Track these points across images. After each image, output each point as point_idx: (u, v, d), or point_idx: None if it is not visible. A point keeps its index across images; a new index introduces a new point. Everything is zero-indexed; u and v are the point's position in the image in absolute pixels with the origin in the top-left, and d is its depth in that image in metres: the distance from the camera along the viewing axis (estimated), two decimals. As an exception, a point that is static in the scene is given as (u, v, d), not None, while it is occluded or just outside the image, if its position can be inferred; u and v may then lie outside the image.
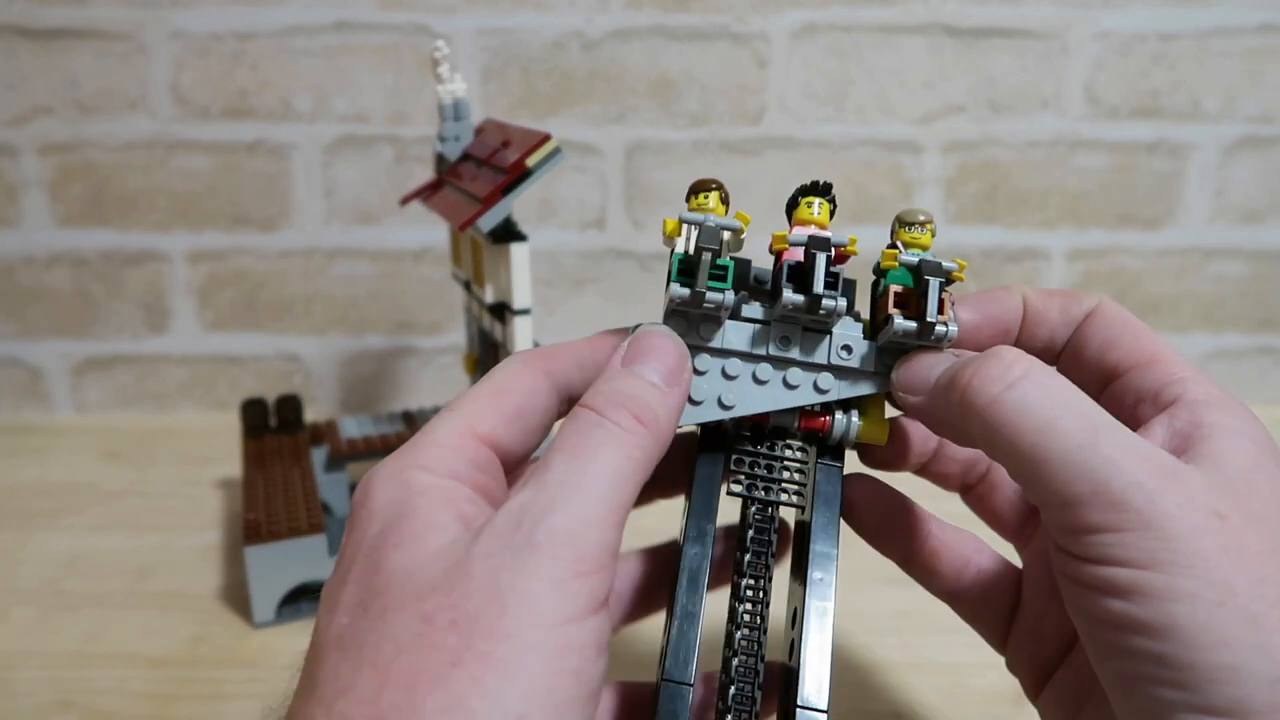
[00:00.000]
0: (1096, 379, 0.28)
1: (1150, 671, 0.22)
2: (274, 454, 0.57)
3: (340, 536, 0.57)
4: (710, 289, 0.26)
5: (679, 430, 0.26)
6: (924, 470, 0.33)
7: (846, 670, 0.45)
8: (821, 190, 0.28)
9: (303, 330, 0.76)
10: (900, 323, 0.26)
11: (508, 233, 0.49)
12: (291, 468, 0.55)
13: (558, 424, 0.26)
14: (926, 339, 0.26)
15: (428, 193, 0.57)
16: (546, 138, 0.47)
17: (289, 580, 0.49)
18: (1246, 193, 0.74)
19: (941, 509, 0.33)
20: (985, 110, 0.72)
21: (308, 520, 0.49)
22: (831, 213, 0.28)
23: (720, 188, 0.27)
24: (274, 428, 0.61)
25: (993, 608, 0.31)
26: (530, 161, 0.47)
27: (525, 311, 0.50)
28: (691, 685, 0.25)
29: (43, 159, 0.71)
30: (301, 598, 0.50)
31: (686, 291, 0.26)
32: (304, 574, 0.49)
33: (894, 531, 0.32)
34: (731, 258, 0.27)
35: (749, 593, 0.27)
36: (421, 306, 0.75)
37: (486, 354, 0.58)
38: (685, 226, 0.26)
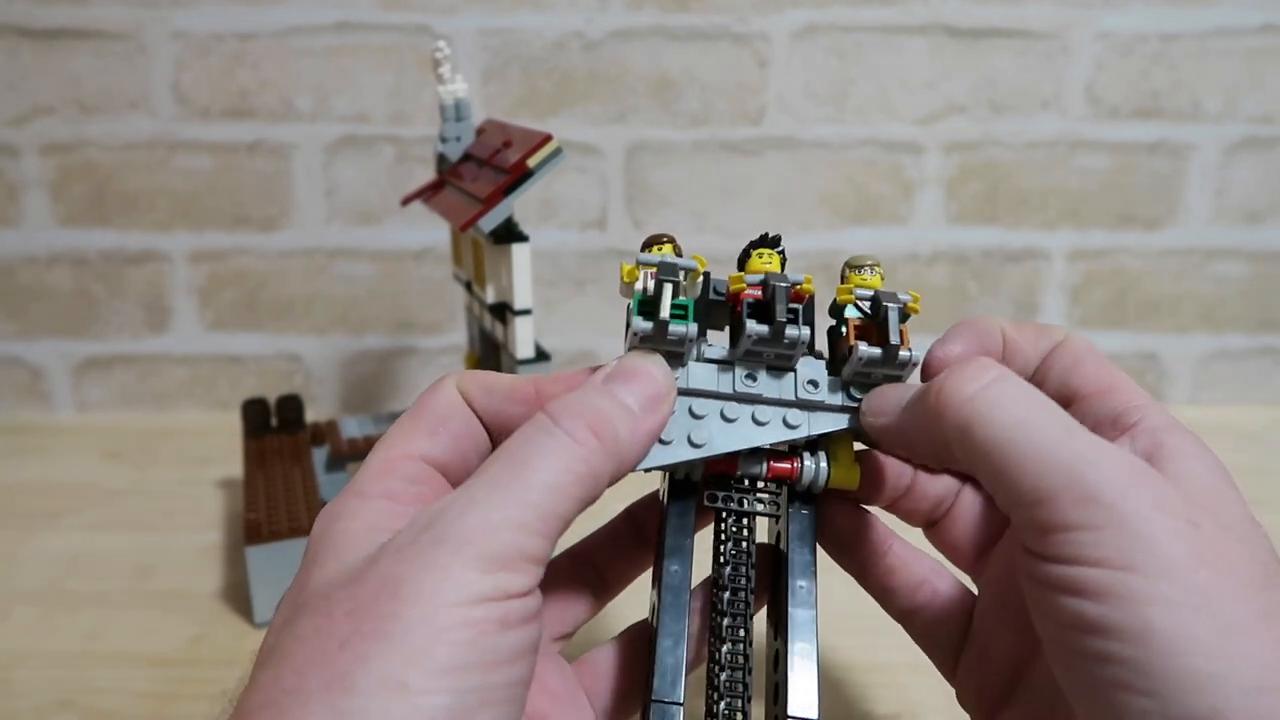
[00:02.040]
0: (1057, 402, 0.28)
1: (1121, 678, 0.21)
2: (275, 454, 0.57)
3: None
4: (673, 321, 0.26)
5: (647, 471, 0.26)
6: (893, 506, 0.32)
7: (845, 672, 0.45)
8: (771, 243, 0.29)
9: (303, 330, 0.76)
10: (864, 350, 0.27)
11: (509, 233, 0.49)
12: (292, 467, 0.55)
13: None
14: (891, 365, 0.27)
15: (429, 193, 0.57)
16: (547, 138, 0.47)
17: (289, 580, 0.49)
18: (1247, 193, 0.74)
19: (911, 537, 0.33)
20: (986, 110, 0.72)
21: (308, 520, 0.49)
22: (782, 264, 0.28)
23: (673, 241, 0.28)
24: (275, 427, 0.61)
25: (945, 632, 0.31)
26: (531, 162, 0.47)
27: (526, 312, 0.50)
28: (682, 704, 0.25)
29: (44, 159, 0.71)
30: (302, 597, 0.50)
31: (650, 324, 0.26)
32: (304, 574, 0.49)
33: (853, 543, 0.31)
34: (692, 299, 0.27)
35: (729, 632, 0.27)
36: (422, 306, 0.75)
37: (487, 354, 0.58)
38: (642, 268, 0.26)
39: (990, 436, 0.24)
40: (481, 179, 0.50)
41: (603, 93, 0.71)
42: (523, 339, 0.50)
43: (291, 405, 0.61)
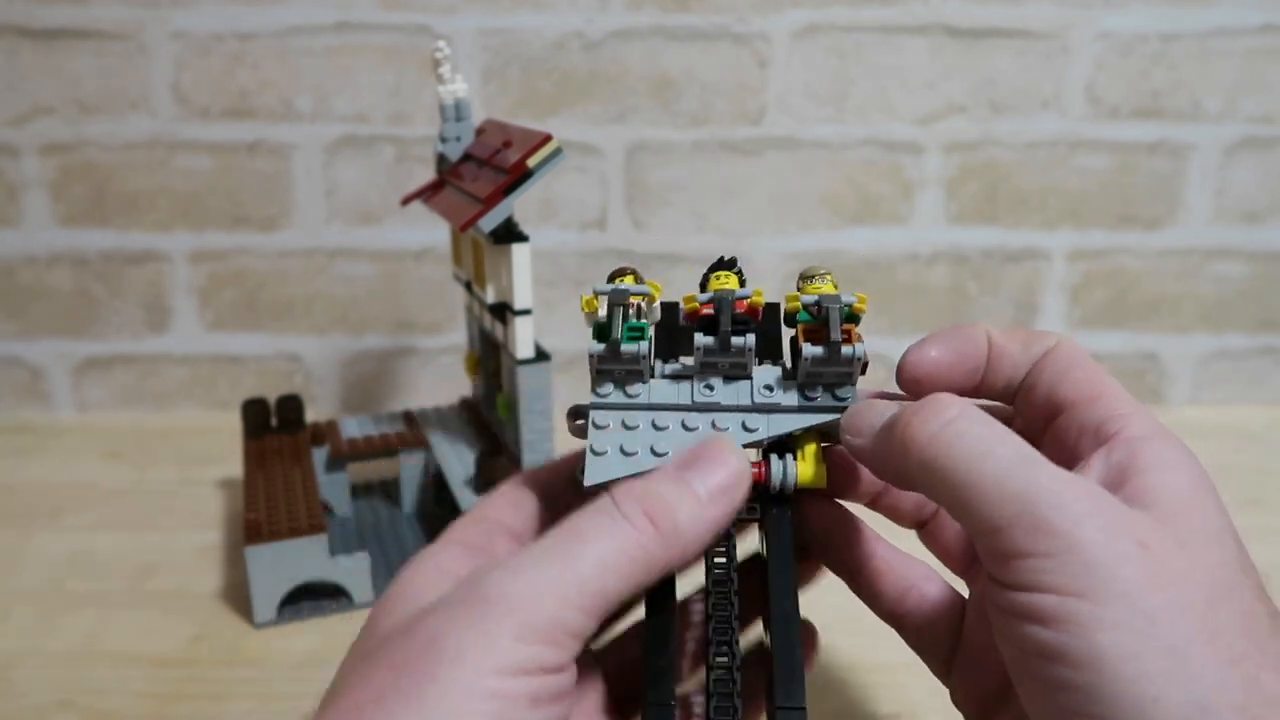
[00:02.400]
0: (1045, 413, 0.28)
1: (1077, 704, 0.21)
2: (275, 454, 0.57)
3: (340, 536, 0.57)
4: (626, 340, 0.28)
5: (610, 482, 0.27)
6: (877, 504, 0.33)
7: (844, 671, 0.45)
8: (728, 265, 0.30)
9: (303, 330, 0.76)
10: (809, 349, 0.28)
11: (509, 233, 0.49)
12: (292, 467, 0.55)
13: None
14: (837, 362, 0.28)
15: (429, 193, 0.57)
16: (547, 138, 0.47)
17: (290, 580, 0.49)
18: (1247, 193, 0.74)
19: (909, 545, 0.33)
20: (986, 110, 0.72)
21: (308, 520, 0.49)
22: (741, 283, 0.30)
23: (635, 272, 0.30)
24: (275, 427, 0.61)
25: (936, 636, 0.31)
26: (531, 162, 0.47)
27: (526, 312, 0.50)
28: (674, 705, 0.25)
29: (44, 159, 0.71)
30: (302, 598, 0.50)
31: (602, 346, 0.28)
32: (305, 574, 0.49)
33: (839, 547, 0.31)
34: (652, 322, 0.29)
35: (716, 634, 0.28)
36: (422, 306, 0.75)
37: (487, 354, 0.58)
38: (600, 298, 0.28)
39: (951, 471, 0.24)
40: (481, 179, 0.50)
41: (603, 93, 0.71)
42: (523, 339, 0.50)
43: (291, 405, 0.61)
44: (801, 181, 0.73)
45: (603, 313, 0.28)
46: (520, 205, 0.49)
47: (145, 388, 0.76)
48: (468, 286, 0.57)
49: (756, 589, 0.29)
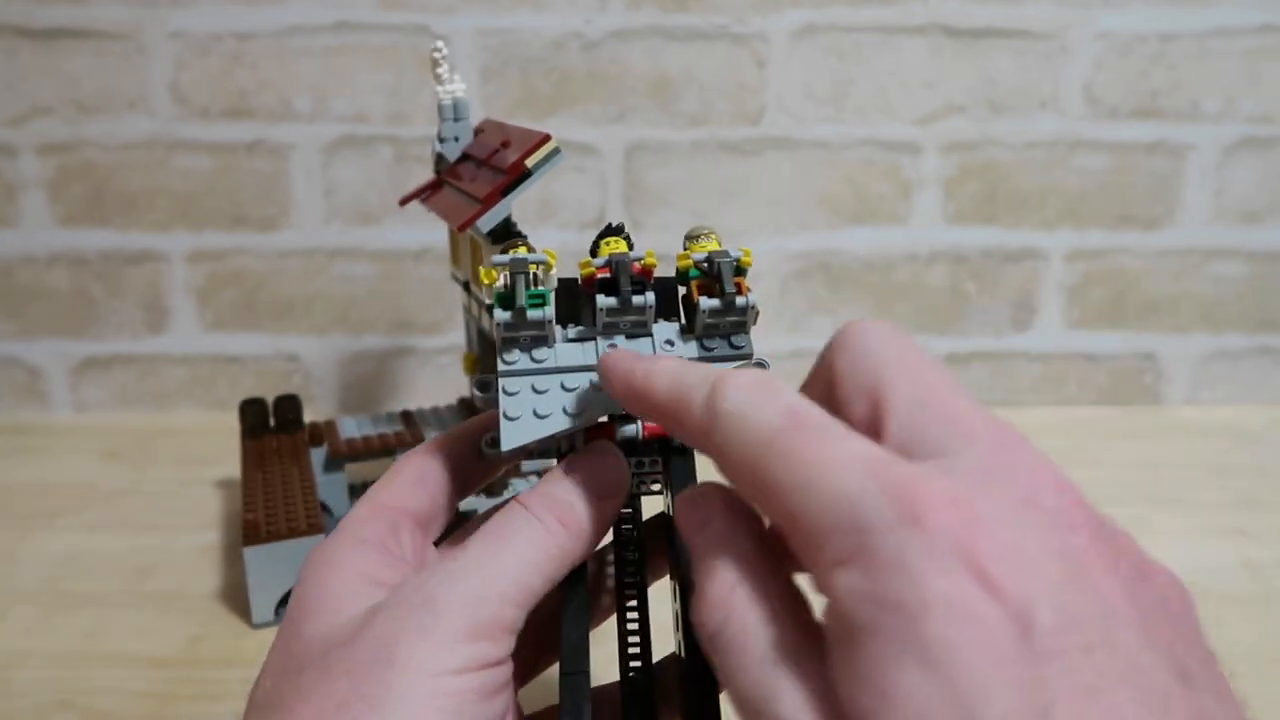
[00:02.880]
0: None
1: None
2: (273, 454, 0.57)
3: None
4: (530, 307, 0.28)
5: (527, 446, 0.28)
6: None
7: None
8: (616, 230, 0.32)
9: (302, 330, 0.76)
10: (705, 302, 0.29)
11: (507, 233, 0.49)
12: (290, 468, 0.55)
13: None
14: (732, 312, 0.29)
15: (427, 193, 0.57)
16: (546, 138, 0.47)
17: (288, 580, 0.49)
18: (1246, 193, 0.74)
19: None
20: (985, 110, 0.72)
21: (306, 520, 0.49)
22: (630, 248, 0.31)
23: (526, 241, 0.32)
24: (273, 428, 0.60)
25: None
26: (530, 162, 0.47)
27: (524, 312, 0.50)
28: (586, 671, 0.26)
29: (42, 159, 0.71)
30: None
31: (508, 314, 0.28)
32: (303, 574, 0.49)
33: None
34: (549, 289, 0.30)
35: (625, 600, 0.29)
36: (421, 306, 0.75)
37: (485, 354, 0.58)
38: (499, 270, 0.29)
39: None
40: (480, 179, 0.50)
41: (601, 93, 0.71)
42: (521, 339, 0.50)
43: (290, 405, 0.61)
44: (800, 181, 0.73)
45: (502, 282, 0.29)
46: (519, 205, 0.49)
47: (144, 388, 0.76)
48: (466, 287, 0.57)
49: (657, 546, 0.30)
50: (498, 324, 0.29)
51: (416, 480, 0.30)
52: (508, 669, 0.25)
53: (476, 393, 0.30)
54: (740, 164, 0.72)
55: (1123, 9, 0.70)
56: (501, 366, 0.29)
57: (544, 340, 0.29)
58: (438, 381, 0.77)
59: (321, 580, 0.26)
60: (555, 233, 0.73)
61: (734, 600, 0.22)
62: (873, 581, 0.18)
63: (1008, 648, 0.17)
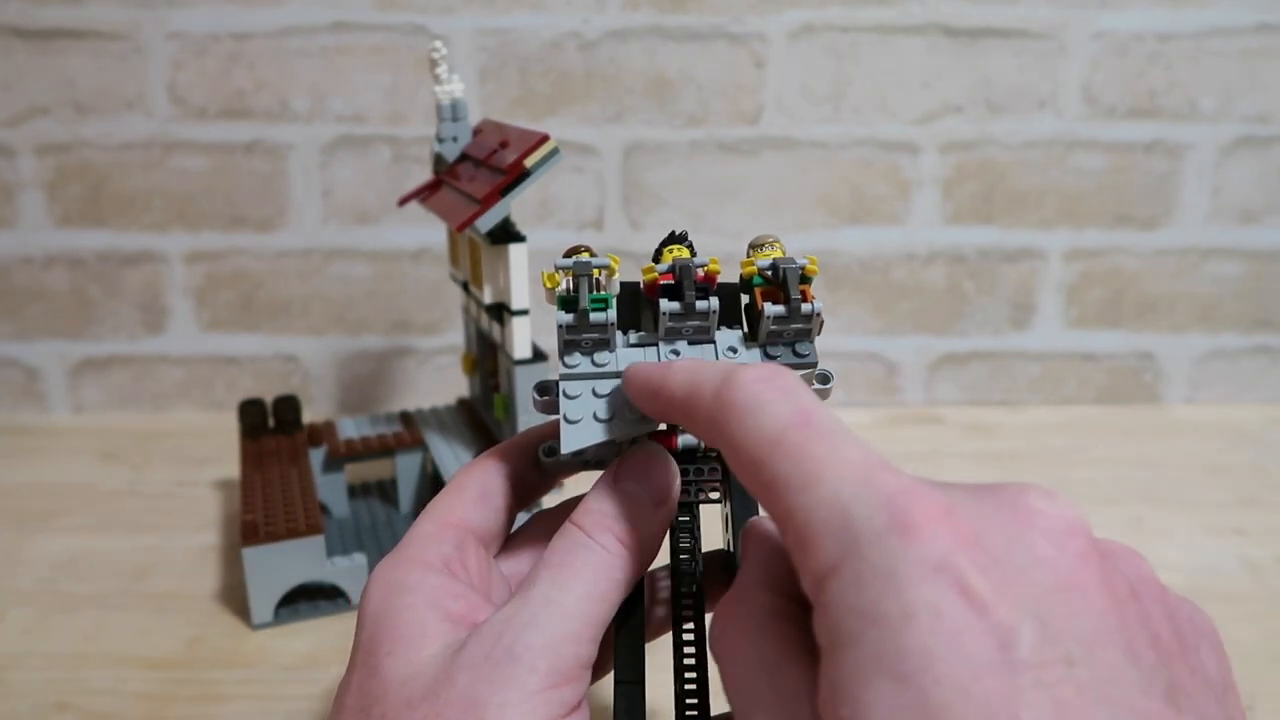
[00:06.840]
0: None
1: None
2: (272, 455, 0.57)
3: (337, 537, 0.57)
4: (593, 309, 0.28)
5: (584, 455, 0.28)
6: None
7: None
8: (679, 239, 0.31)
9: (300, 330, 0.75)
10: (770, 308, 0.29)
11: (506, 233, 0.49)
12: (289, 468, 0.55)
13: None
14: (797, 319, 0.29)
15: (425, 193, 0.57)
16: (544, 138, 0.47)
17: (287, 581, 0.49)
18: (1243, 193, 0.74)
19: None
20: (982, 110, 0.72)
21: (305, 521, 0.49)
22: (692, 255, 0.31)
23: (589, 249, 0.31)
24: (272, 428, 0.60)
25: None
26: (528, 162, 0.47)
27: (523, 312, 0.50)
28: (639, 683, 0.26)
29: (40, 159, 0.71)
30: (299, 599, 0.50)
31: (570, 316, 0.28)
32: (302, 575, 0.49)
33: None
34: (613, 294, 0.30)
35: (684, 613, 0.28)
36: (419, 307, 0.75)
37: (484, 354, 0.58)
38: (561, 273, 0.29)
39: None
40: (478, 179, 0.50)
41: (599, 93, 0.71)
42: (520, 339, 0.50)
43: (288, 406, 0.61)
44: (798, 181, 0.73)
45: (565, 285, 0.29)
46: (517, 205, 0.49)
47: (142, 388, 0.76)
48: (465, 287, 0.57)
49: (716, 569, 0.30)
50: (559, 326, 0.29)
51: (480, 496, 0.29)
52: (584, 713, 0.25)
53: (535, 395, 0.29)
54: (738, 164, 0.72)
55: (1120, 9, 0.70)
56: (562, 370, 0.29)
57: (605, 344, 0.29)
58: (437, 382, 0.77)
59: (394, 611, 0.25)
60: (554, 233, 0.73)
61: (733, 612, 0.22)
62: (859, 593, 0.18)
63: (985, 661, 0.17)
